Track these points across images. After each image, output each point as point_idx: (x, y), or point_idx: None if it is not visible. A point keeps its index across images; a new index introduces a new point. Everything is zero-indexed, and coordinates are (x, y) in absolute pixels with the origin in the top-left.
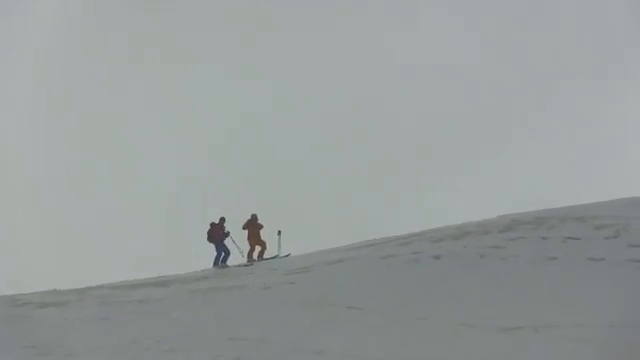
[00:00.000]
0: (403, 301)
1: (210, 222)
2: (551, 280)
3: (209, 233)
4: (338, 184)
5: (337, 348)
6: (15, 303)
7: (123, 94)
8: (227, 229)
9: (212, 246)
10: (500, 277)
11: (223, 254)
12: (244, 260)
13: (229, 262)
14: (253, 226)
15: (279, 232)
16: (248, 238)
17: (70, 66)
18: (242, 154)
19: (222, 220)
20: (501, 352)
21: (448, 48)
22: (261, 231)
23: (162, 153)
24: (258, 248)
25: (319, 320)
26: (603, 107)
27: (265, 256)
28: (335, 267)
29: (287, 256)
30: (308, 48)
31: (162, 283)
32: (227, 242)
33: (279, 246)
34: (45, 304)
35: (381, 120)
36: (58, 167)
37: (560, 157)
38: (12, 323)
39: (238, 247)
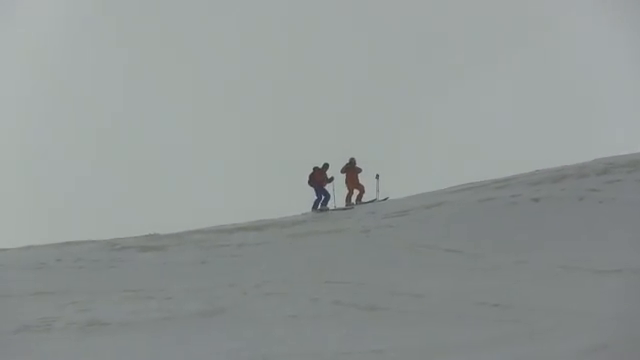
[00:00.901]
0: (502, 244)
1: (314, 166)
2: None
3: (311, 177)
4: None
5: (437, 291)
6: (114, 247)
7: None
8: (330, 176)
9: (312, 190)
10: (599, 220)
11: (323, 197)
12: (338, 206)
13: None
14: (351, 170)
15: (377, 176)
16: (346, 182)
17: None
18: (339, 99)
19: (325, 166)
20: (602, 294)
21: None
22: (359, 175)
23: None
24: (356, 192)
25: (418, 263)
26: None
27: (363, 200)
28: (433, 210)
29: (385, 200)
30: None
31: (260, 227)
32: (328, 188)
33: (377, 190)
34: (145, 248)
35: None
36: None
37: None
38: (112, 267)
39: (334, 196)
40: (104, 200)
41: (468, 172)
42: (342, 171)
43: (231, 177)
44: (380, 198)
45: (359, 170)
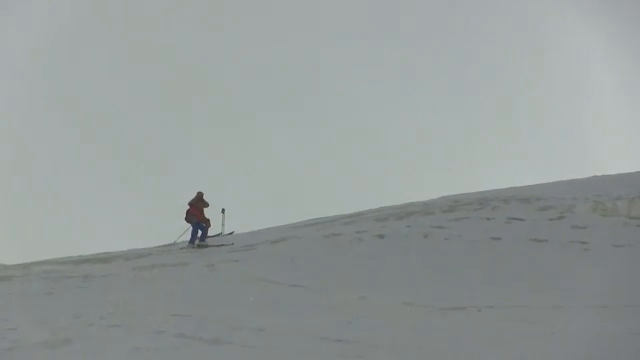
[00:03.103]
0: (346, 280)
1: (189, 202)
2: (494, 261)
3: (187, 213)
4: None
5: (280, 326)
6: None
7: None
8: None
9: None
10: (443, 257)
11: (200, 232)
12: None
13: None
14: (199, 203)
15: (223, 210)
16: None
17: None
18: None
19: (200, 194)
20: (445, 332)
21: None
22: (205, 209)
23: None
24: None
25: (262, 298)
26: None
27: (209, 234)
28: (279, 245)
29: (231, 234)
30: None
31: (106, 259)
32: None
33: (223, 224)
34: None
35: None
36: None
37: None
38: None
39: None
40: None
41: (316, 208)
42: (189, 204)
43: (79, 210)
44: (226, 232)
45: (206, 204)
